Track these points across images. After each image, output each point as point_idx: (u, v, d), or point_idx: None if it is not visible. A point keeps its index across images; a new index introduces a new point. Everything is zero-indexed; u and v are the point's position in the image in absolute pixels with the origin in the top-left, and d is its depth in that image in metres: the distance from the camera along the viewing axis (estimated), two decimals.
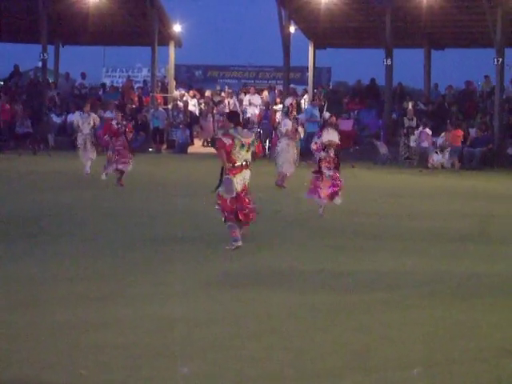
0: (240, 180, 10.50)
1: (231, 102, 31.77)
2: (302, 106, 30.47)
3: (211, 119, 30.56)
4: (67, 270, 9.19)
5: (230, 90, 33.24)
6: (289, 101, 18.75)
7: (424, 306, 7.86)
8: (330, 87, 36.95)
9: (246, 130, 10.84)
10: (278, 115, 30.04)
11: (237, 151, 10.40)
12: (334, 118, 14.62)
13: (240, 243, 10.47)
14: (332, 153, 13.68)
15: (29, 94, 31.72)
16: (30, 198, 15.77)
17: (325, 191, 13.56)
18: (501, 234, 12.81)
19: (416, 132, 26.39)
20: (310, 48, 32.41)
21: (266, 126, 29.70)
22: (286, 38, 29.76)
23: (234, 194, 10.46)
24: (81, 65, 38.75)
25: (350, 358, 6.18)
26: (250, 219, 10.75)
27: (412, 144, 26.40)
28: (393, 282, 8.89)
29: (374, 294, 8.30)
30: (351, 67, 46.33)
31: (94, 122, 20.48)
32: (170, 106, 31.35)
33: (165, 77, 34.33)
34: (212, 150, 27.48)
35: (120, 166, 17.77)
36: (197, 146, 30.52)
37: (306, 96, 32.10)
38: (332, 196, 13.62)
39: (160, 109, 30.89)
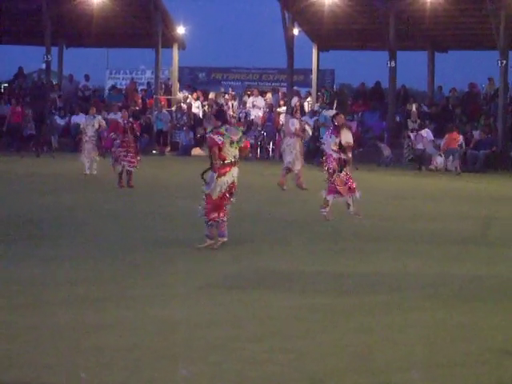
0: (229, 178, 10.62)
1: (235, 104, 31.82)
2: (306, 108, 30.49)
3: (214, 121, 30.49)
4: (68, 271, 9.19)
5: (234, 92, 33.26)
6: (294, 101, 18.95)
7: (425, 308, 7.84)
8: (334, 89, 36.91)
9: (233, 128, 11.00)
10: (282, 117, 30.08)
11: (227, 148, 10.58)
12: (342, 117, 14.25)
13: (213, 241, 10.63)
14: (348, 153, 13.65)
15: (32, 95, 31.77)
16: (31, 199, 15.79)
17: (343, 188, 13.51)
18: (503, 236, 12.79)
19: (412, 134, 26.41)
20: (313, 50, 32.42)
21: (270, 128, 29.70)
22: (289, 40, 29.78)
23: (216, 194, 10.58)
24: (84, 67, 38.85)
25: (352, 360, 6.16)
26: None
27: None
28: (394, 284, 8.88)
29: (375, 295, 8.28)
30: (355, 69, 46.38)
31: (100, 125, 20.50)
32: (173, 108, 31.38)
33: (168, 79, 34.35)
34: None
35: (128, 167, 17.75)
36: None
37: (309, 98, 32.12)
38: (352, 191, 13.57)
39: (164, 111, 30.93)
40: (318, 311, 7.59)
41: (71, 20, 32.21)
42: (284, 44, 29.87)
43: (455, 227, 13.45)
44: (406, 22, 29.15)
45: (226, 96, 32.84)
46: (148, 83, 34.87)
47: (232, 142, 10.63)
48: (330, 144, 13.70)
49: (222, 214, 10.63)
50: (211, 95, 32.66)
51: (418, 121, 27.25)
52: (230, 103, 31.83)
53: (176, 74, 33.30)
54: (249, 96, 32.41)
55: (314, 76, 32.47)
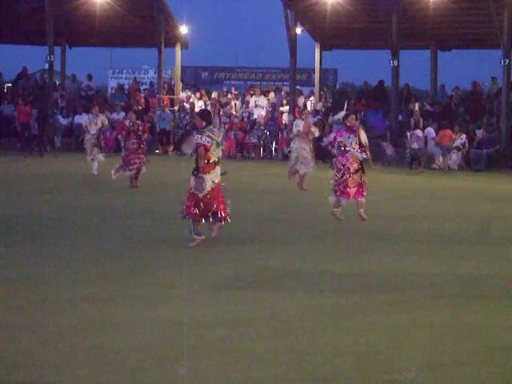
0: (214, 176, 10.78)
1: (237, 103, 31.82)
2: (308, 107, 30.46)
3: (218, 121, 30.55)
4: (71, 271, 9.18)
5: (236, 92, 33.26)
6: (301, 100, 18.91)
7: (430, 307, 7.83)
8: (337, 88, 36.90)
9: (215, 129, 11.10)
10: (285, 117, 30.08)
11: (213, 149, 10.76)
12: (354, 117, 14.00)
13: (203, 237, 10.72)
14: (367, 152, 13.59)
15: (35, 95, 31.78)
16: (35, 199, 15.79)
17: (353, 190, 13.41)
18: (506, 235, 12.76)
19: (408, 133, 26.40)
20: (316, 49, 32.42)
21: (273, 127, 29.69)
22: (292, 40, 29.75)
23: (206, 192, 10.67)
24: (87, 66, 38.87)
25: (356, 360, 6.15)
26: (221, 218, 10.84)
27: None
28: (399, 284, 8.86)
29: (379, 295, 8.27)
30: (357, 68, 46.39)
31: (102, 123, 20.51)
32: (176, 108, 31.36)
33: (171, 78, 34.34)
34: None
35: (131, 169, 17.73)
36: None
37: (312, 98, 32.11)
38: (360, 194, 13.46)
39: (166, 110, 30.92)
40: (322, 311, 7.58)
41: (74, 20, 32.24)
42: (287, 43, 29.85)
43: (458, 226, 13.44)
44: (408, 21, 29.13)
45: (229, 95, 32.82)
46: (151, 83, 34.87)
47: (218, 144, 10.85)
48: (350, 143, 13.46)
49: (198, 211, 10.68)
50: (214, 95, 32.66)
51: (421, 120, 27.20)
52: (232, 103, 31.82)
53: (179, 73, 33.30)
54: (251, 96, 32.41)
55: (316, 75, 32.48)
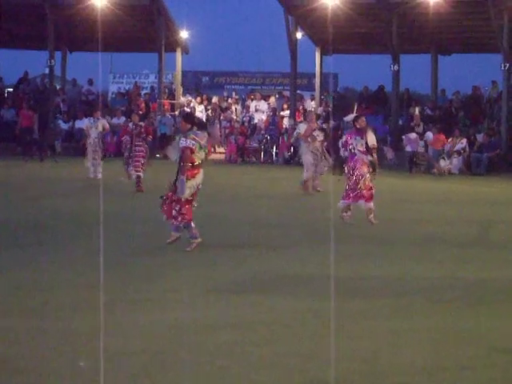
0: (198, 180, 10.91)
1: (238, 108, 31.83)
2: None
3: (218, 125, 30.57)
4: (74, 276, 9.18)
5: (237, 96, 33.27)
6: (309, 103, 18.81)
7: (431, 311, 7.82)
8: (337, 93, 36.90)
9: (200, 132, 11.11)
10: (285, 121, 30.10)
11: (197, 151, 10.87)
12: (364, 119, 13.95)
13: (200, 239, 10.78)
14: (374, 155, 13.61)
15: (36, 100, 31.79)
16: (35, 204, 15.78)
17: (367, 192, 13.44)
18: (507, 239, 12.76)
19: (403, 137, 26.42)
20: (316, 54, 32.43)
21: (274, 131, 29.70)
22: (292, 44, 29.78)
23: (186, 195, 10.77)
24: (88, 71, 38.94)
25: (358, 364, 6.14)
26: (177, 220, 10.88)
27: (419, 150, 26.39)
28: (400, 288, 8.86)
29: (381, 299, 8.27)
30: (358, 73, 46.37)
31: (103, 127, 20.52)
32: (177, 113, 31.38)
33: (172, 83, 34.37)
34: (216, 155, 27.52)
35: (132, 172, 17.78)
36: None
37: (312, 102, 32.12)
38: (369, 198, 13.48)
39: (167, 115, 30.93)
40: (323, 315, 7.56)
41: (75, 25, 32.23)
42: (287, 48, 29.87)
43: (459, 230, 13.43)
44: (409, 26, 29.15)
45: (230, 100, 32.84)
46: (151, 87, 34.91)
47: (201, 146, 10.92)
48: (356, 145, 13.52)
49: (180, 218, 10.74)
50: (214, 99, 32.69)
51: (421, 124, 27.20)
52: (233, 107, 31.83)
53: (179, 78, 33.31)
54: (252, 100, 32.44)
55: (317, 80, 32.48)
